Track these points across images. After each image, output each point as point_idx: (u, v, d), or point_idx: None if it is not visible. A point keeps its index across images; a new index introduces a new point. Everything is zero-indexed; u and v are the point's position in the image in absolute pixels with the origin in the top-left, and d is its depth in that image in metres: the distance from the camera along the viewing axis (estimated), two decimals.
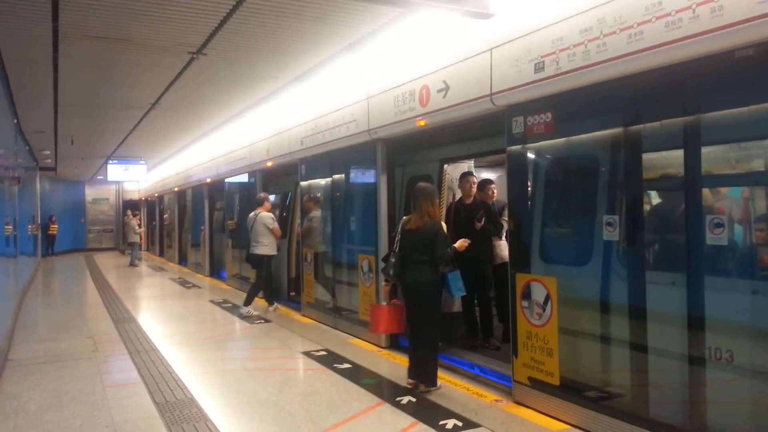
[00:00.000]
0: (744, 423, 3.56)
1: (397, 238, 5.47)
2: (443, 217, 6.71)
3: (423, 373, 5.32)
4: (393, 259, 5.43)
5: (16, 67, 7.39)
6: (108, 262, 21.15)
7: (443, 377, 5.70)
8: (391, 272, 5.42)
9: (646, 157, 4.04)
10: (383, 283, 5.83)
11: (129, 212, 21.17)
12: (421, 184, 5.61)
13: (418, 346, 5.40)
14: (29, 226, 14.76)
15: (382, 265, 5.77)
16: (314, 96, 8.38)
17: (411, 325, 5.47)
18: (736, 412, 3.59)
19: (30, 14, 5.46)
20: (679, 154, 3.75)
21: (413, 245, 5.31)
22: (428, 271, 5.25)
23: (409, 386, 5.40)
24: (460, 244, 5.44)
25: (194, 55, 6.82)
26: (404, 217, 5.61)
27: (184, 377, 5.93)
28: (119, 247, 25.81)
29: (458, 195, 6.91)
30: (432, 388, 5.29)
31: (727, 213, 3.51)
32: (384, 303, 6.02)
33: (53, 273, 18.49)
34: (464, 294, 5.62)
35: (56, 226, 23.62)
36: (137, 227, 20.07)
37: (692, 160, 3.66)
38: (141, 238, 20.92)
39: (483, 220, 6.47)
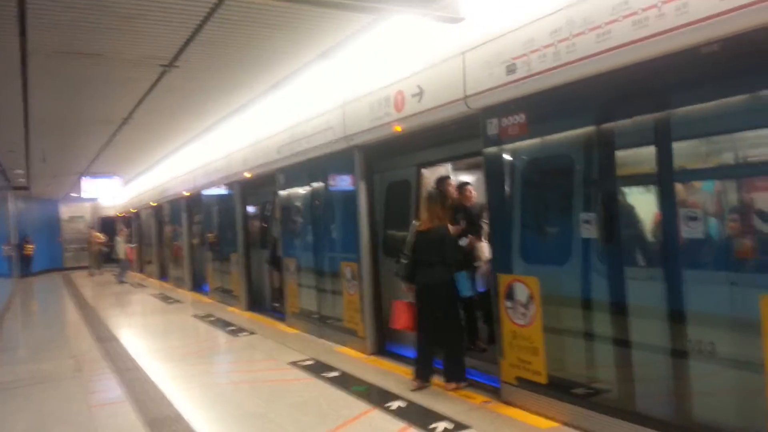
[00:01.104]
0: (729, 413, 3.62)
1: (411, 241, 5.68)
2: None
3: (452, 371, 5.50)
4: (405, 261, 5.71)
5: None
6: (86, 281, 20.83)
7: (431, 381, 5.72)
8: (402, 274, 5.75)
9: (619, 154, 4.11)
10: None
11: (91, 230, 21.95)
12: (432, 189, 6.14)
13: (442, 345, 5.57)
14: (4, 247, 14.50)
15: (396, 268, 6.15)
16: (290, 104, 8.36)
17: (427, 326, 5.60)
18: (721, 403, 3.65)
19: None
20: (651, 150, 3.82)
21: (426, 247, 5.56)
22: (442, 271, 5.50)
23: (414, 389, 5.47)
24: (455, 230, 5.85)
25: (166, 68, 6.77)
26: (414, 222, 5.93)
27: (169, 393, 5.86)
28: (89, 269, 22.95)
29: None
30: (462, 384, 5.43)
31: (701, 206, 3.58)
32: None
33: (31, 293, 18.16)
34: (471, 294, 5.92)
35: (32, 246, 23.21)
36: (123, 243, 19.58)
37: (664, 155, 3.72)
38: (130, 256, 20.41)
39: (461, 222, 6.49)
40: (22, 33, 5.45)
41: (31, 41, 5.68)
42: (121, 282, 18.70)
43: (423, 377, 5.58)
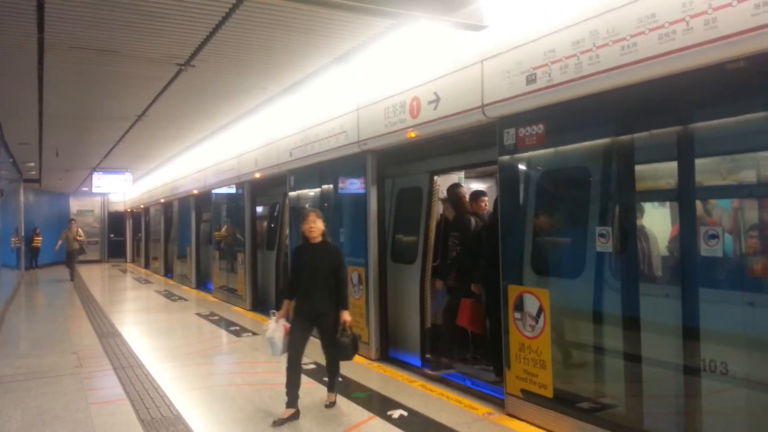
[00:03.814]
0: None
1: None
2: (433, 229, 6.66)
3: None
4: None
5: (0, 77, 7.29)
6: (93, 275, 20.88)
7: (435, 389, 5.65)
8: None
9: (639, 168, 4.04)
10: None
11: (73, 222, 19.84)
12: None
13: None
14: (12, 239, 14.54)
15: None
16: (304, 107, 8.34)
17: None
18: (731, 424, 3.56)
19: (15, 25, 5.37)
20: (672, 165, 3.75)
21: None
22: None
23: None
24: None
25: (182, 67, 6.76)
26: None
27: (170, 393, 5.81)
28: (70, 271, 18.84)
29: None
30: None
31: (721, 224, 3.50)
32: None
33: (37, 286, 18.18)
34: None
35: (40, 238, 23.27)
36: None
37: (685, 171, 3.65)
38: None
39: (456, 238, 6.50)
40: (40, 28, 5.45)
41: (49, 36, 5.68)
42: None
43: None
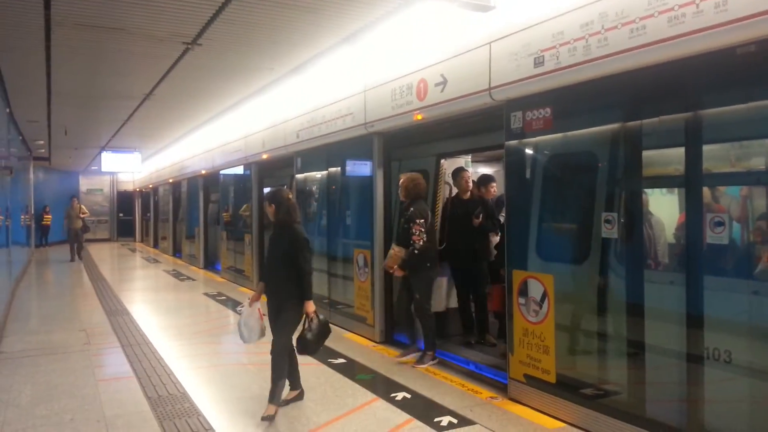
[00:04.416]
0: (741, 423, 3.54)
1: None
2: (440, 212, 6.65)
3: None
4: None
5: (8, 56, 7.28)
6: (102, 254, 21.05)
7: (438, 373, 5.68)
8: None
9: (646, 154, 4.00)
10: None
11: (74, 199, 18.77)
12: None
13: None
14: (22, 216, 14.64)
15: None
16: (310, 88, 8.30)
17: None
18: (733, 412, 3.57)
19: (22, 2, 5.35)
20: (679, 151, 3.71)
21: None
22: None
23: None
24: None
25: (189, 46, 6.73)
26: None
27: (176, 371, 5.88)
28: (73, 250, 18.14)
29: (455, 190, 6.86)
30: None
31: (729, 212, 3.47)
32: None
33: (46, 263, 18.36)
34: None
35: (50, 216, 23.42)
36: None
37: (693, 157, 3.61)
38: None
39: (481, 216, 6.43)
40: (47, 5, 5.42)
41: (55, 13, 5.65)
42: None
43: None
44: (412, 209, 5.91)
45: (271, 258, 4.83)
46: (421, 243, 5.81)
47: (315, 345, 4.67)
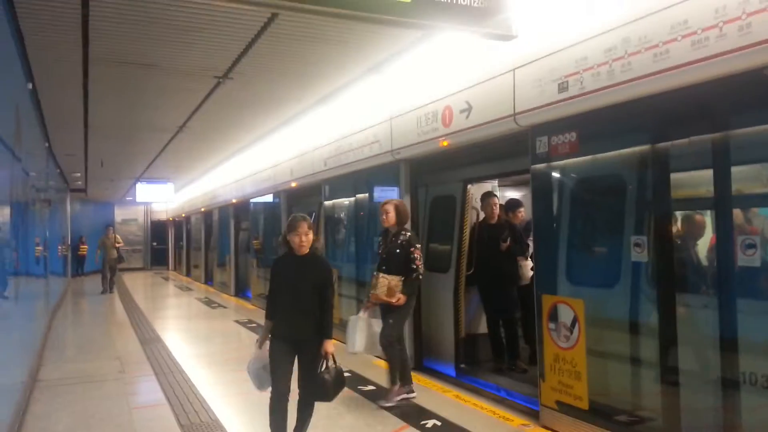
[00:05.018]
0: None
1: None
2: (467, 238, 6.65)
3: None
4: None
5: (47, 91, 7.58)
6: (136, 282, 21.43)
7: (469, 400, 5.63)
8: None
9: (674, 176, 3.97)
10: None
11: (109, 228, 18.14)
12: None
13: None
14: (59, 247, 15.03)
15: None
16: (337, 117, 8.44)
17: None
18: None
19: (62, 40, 5.59)
20: (708, 173, 3.68)
21: None
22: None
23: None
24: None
25: (220, 80, 6.94)
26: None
27: (209, 399, 5.94)
28: (103, 285, 17.35)
29: (482, 215, 6.87)
30: None
31: (760, 233, 3.42)
32: None
33: (82, 293, 18.76)
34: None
35: (86, 246, 24.00)
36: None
37: (722, 179, 3.58)
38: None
39: (509, 240, 6.41)
40: (85, 43, 5.66)
41: (93, 50, 5.89)
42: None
43: None
44: (409, 234, 5.66)
45: (295, 290, 4.26)
46: (423, 268, 5.63)
47: (333, 391, 4.24)
